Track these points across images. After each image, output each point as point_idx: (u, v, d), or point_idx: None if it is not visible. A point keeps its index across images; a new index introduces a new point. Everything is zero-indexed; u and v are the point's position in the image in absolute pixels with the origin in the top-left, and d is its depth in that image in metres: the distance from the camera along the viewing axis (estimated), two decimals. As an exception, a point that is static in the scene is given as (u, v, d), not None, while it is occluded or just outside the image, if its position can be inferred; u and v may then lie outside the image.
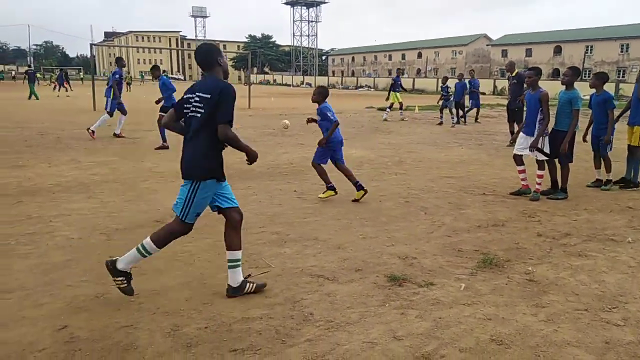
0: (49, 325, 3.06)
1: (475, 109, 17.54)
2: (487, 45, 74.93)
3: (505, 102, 13.77)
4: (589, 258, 4.36)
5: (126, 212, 5.54)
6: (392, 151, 10.59)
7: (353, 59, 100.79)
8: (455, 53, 78.42)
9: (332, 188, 6.35)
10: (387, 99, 18.24)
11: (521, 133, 6.52)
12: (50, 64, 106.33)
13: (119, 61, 12.01)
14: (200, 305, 3.35)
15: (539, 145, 6.22)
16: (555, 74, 59.93)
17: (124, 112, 11.95)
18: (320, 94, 6.19)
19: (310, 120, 6.48)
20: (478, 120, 17.40)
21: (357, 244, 4.65)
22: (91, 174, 7.57)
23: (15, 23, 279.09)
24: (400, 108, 18.56)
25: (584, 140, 7.31)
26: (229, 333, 3.00)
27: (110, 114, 11.65)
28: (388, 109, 18.32)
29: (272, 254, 4.38)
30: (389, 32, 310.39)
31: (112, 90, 11.60)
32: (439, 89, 15.35)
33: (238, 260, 3.49)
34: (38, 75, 53.65)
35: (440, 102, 17.02)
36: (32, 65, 73.21)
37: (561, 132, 6.33)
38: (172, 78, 76.15)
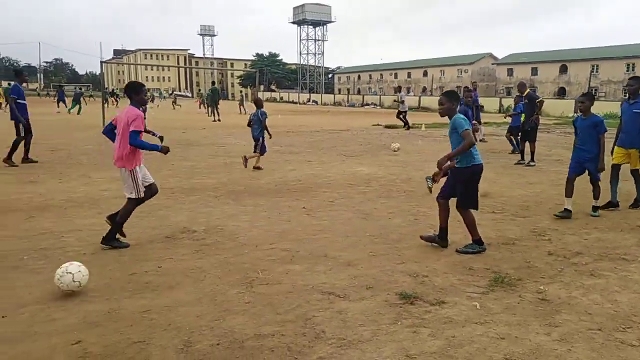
0: (62, 340, 3.08)
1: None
2: (493, 64, 75.37)
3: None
4: (601, 277, 4.33)
5: (136, 228, 5.56)
6: (400, 169, 10.61)
7: (359, 77, 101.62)
8: (461, 72, 78.84)
9: None
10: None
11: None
12: (60, 81, 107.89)
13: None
14: (211, 322, 3.35)
15: None
16: (560, 93, 60.08)
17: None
18: None
19: None
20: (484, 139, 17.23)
21: (367, 261, 4.64)
22: (101, 190, 7.63)
23: (27, 41, 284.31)
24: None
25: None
26: (241, 350, 2.99)
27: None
28: None
29: (282, 270, 4.38)
30: (396, 51, 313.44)
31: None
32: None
33: None
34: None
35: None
36: (42, 82, 73.64)
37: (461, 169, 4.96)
38: (180, 95, 77.08)
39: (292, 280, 4.16)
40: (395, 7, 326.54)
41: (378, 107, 59.50)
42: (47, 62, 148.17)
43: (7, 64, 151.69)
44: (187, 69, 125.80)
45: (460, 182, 4.92)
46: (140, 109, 4.99)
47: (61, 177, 8.72)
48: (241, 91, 61.46)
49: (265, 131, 10.22)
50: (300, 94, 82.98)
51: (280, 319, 3.42)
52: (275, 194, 7.75)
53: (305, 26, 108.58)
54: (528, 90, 11.95)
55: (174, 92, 53.76)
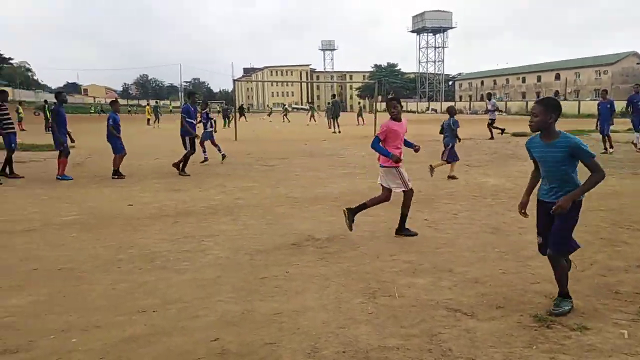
0: (203, 336, 3.37)
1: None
2: (638, 63, 67.22)
3: None
4: None
5: (266, 235, 5.92)
6: (530, 180, 9.89)
7: (482, 82, 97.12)
8: (599, 73, 71.56)
9: None
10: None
11: None
12: (197, 98, 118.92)
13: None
14: (337, 329, 3.43)
15: None
16: None
17: None
18: None
19: None
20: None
21: (497, 278, 4.41)
22: (235, 199, 8.25)
23: (169, 63, 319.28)
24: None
25: None
26: (367, 360, 3.02)
27: None
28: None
29: (406, 283, 4.33)
30: (521, 54, 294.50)
31: None
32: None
33: None
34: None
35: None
36: (182, 100, 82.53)
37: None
38: (297, 108, 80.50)
39: (416, 293, 4.09)
40: (520, 7, 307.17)
41: (504, 114, 56.24)
42: (186, 82, 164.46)
43: (154, 84, 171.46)
44: (309, 84, 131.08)
45: (560, 219, 3.64)
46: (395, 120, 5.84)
47: (201, 186, 9.59)
48: (359, 103, 62.94)
49: (456, 138, 10.62)
50: (419, 103, 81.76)
51: (405, 332, 3.39)
52: (396, 205, 7.68)
53: (425, 34, 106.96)
54: None
55: (285, 106, 56.74)
